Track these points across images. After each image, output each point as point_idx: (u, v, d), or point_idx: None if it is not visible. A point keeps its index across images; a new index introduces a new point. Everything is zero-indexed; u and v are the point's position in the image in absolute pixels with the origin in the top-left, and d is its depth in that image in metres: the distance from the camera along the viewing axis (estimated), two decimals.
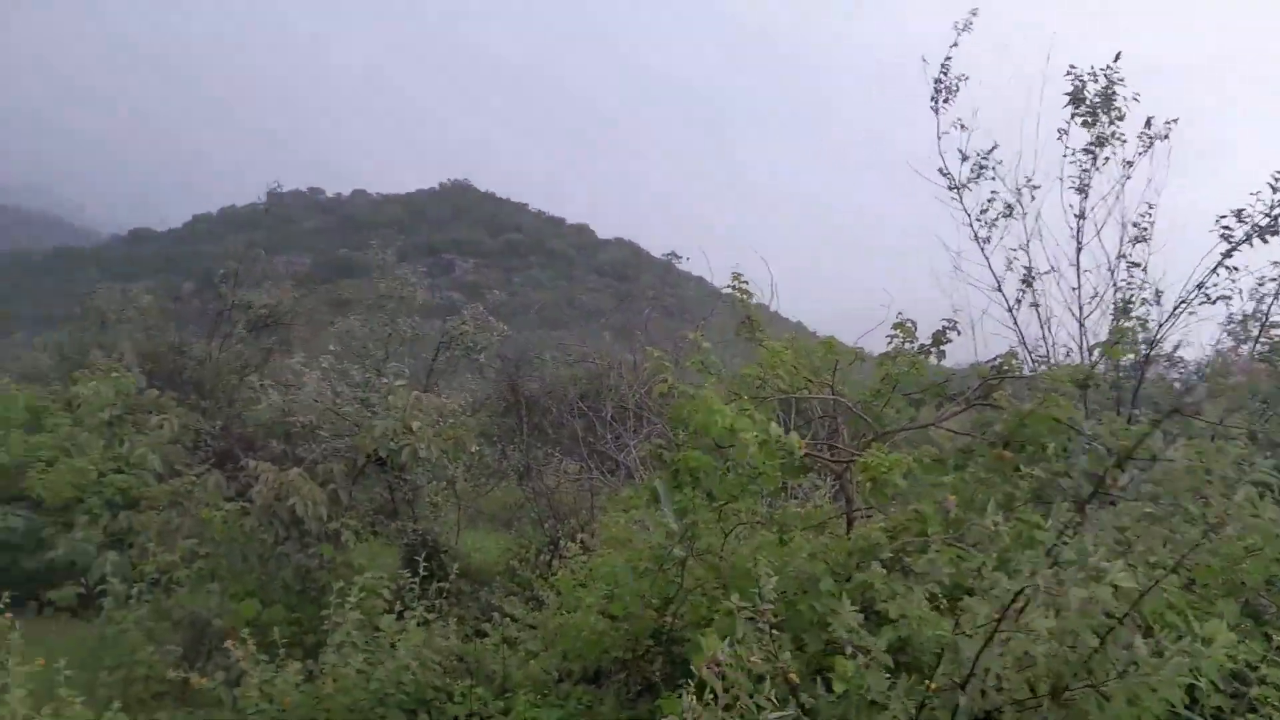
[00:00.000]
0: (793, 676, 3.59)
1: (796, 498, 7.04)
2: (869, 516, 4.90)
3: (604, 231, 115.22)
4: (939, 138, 5.91)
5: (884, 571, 3.57)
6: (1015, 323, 5.83)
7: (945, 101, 5.85)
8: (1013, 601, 2.88)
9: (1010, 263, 5.81)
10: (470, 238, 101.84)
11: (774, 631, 3.25)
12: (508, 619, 6.38)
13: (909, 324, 5.70)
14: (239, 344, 12.61)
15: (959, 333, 5.73)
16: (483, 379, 12.35)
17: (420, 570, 6.39)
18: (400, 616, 5.89)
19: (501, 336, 9.75)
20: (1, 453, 9.14)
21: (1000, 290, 5.84)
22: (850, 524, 4.96)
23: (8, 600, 6.60)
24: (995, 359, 5.53)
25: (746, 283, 4.99)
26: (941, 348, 5.69)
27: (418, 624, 5.84)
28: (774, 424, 4.57)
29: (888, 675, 3.16)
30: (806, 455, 4.63)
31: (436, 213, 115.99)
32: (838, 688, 3.11)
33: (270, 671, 5.41)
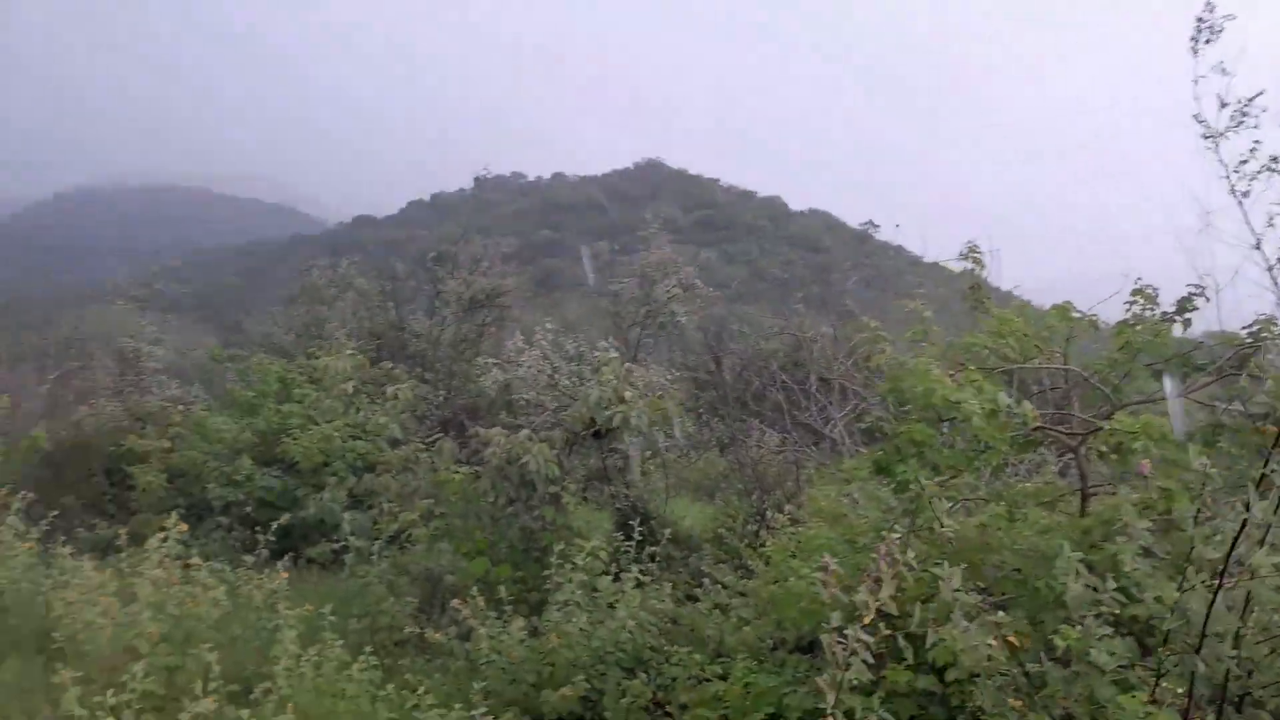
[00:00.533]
0: (1012, 640, 3.48)
1: (1018, 474, 6.74)
2: (1109, 494, 4.63)
3: (796, 204, 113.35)
4: (1195, 82, 5.42)
5: (1133, 546, 3.36)
6: (1276, 284, 5.29)
7: (1206, 42, 5.35)
8: (1235, 542, 2.67)
9: (1271, 219, 5.27)
10: (662, 214, 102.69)
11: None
12: (718, 585, 6.50)
13: (1149, 289, 5.31)
14: (456, 322, 13.40)
15: (1207, 298, 5.29)
16: (683, 352, 12.53)
17: (636, 535, 6.61)
18: (617, 579, 6.13)
19: (706, 301, 9.83)
20: (260, 420, 10.17)
21: (1259, 249, 5.31)
22: (1085, 500, 4.69)
23: (268, 551, 7.38)
24: (1252, 324, 5.07)
25: (980, 252, 4.80)
26: (1188, 315, 5.28)
27: (634, 586, 6.05)
28: (1002, 394, 4.40)
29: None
30: (1038, 428, 4.43)
31: (632, 191, 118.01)
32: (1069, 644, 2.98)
33: (498, 627, 5.78)
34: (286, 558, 7.51)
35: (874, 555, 3.65)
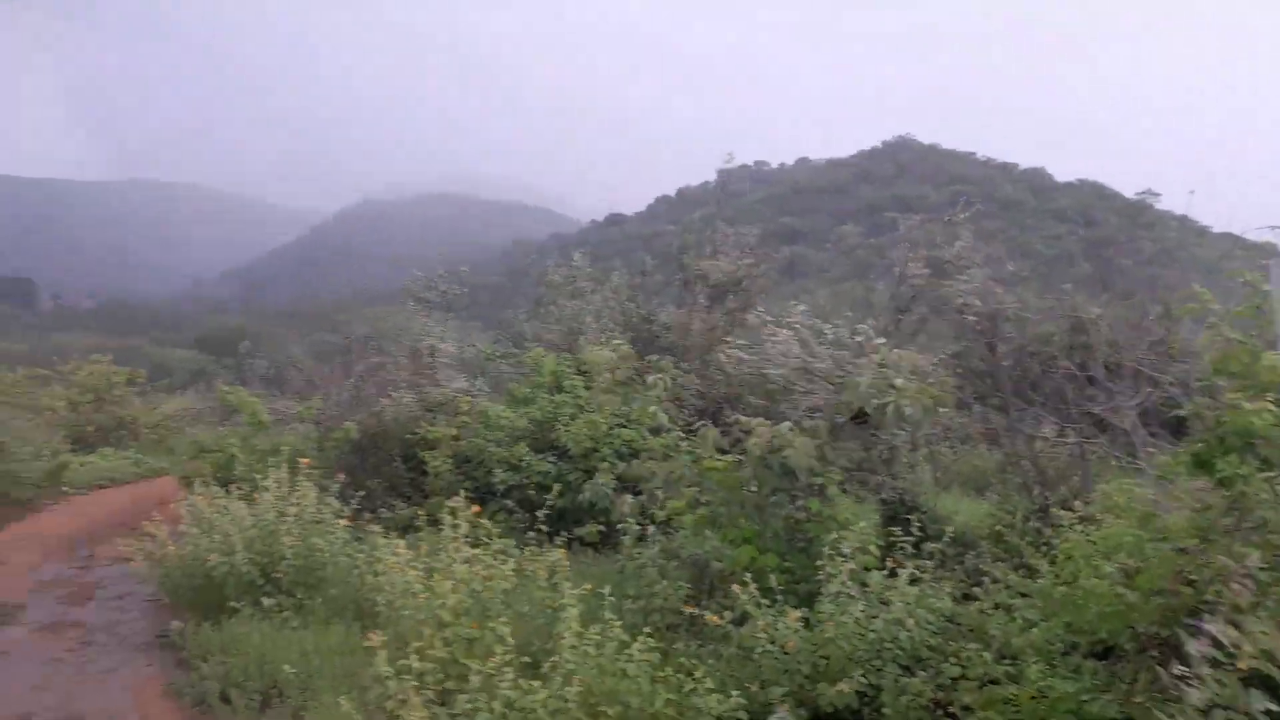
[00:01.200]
0: None
1: None
2: None
3: (1061, 175, 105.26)
4: None
5: None
6: None
7: None
8: None
9: None
10: (913, 193, 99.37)
11: None
12: (1000, 584, 6.14)
13: None
14: (705, 310, 13.57)
15: None
16: (953, 337, 11.94)
17: (912, 529, 6.40)
18: (893, 574, 5.95)
19: (976, 287, 9.26)
20: (535, 409, 10.81)
21: None
22: None
23: (544, 531, 7.83)
24: None
25: None
26: None
27: (909, 583, 5.84)
28: None
29: None
30: None
31: (880, 171, 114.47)
32: None
33: (772, 615, 5.76)
34: (559, 538, 7.94)
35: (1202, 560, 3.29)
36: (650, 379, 8.95)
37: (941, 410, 8.02)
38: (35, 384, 20.94)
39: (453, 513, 6.72)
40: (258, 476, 8.91)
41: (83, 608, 8.82)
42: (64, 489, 15.44)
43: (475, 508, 6.76)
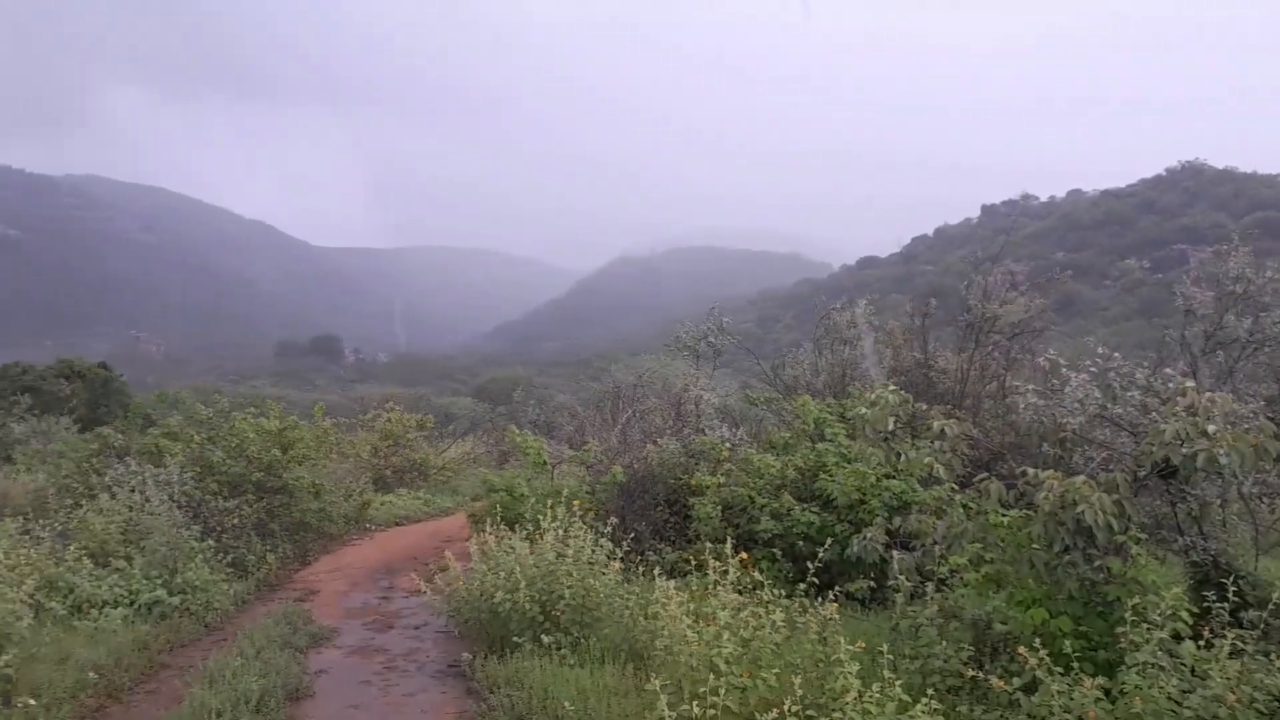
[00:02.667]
0: None
1: None
2: None
3: None
4: None
5: None
6: None
7: None
8: None
9: None
10: (1205, 222, 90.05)
11: None
12: None
13: None
14: (988, 352, 12.90)
15: None
16: (1265, 379, 10.61)
17: (1228, 595, 5.70)
18: (1209, 644, 5.31)
19: None
20: (798, 458, 10.73)
21: None
22: None
23: (814, 584, 7.68)
24: None
25: None
26: None
27: (1229, 654, 5.19)
28: None
29: None
30: None
31: (1165, 201, 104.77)
32: None
33: (1066, 683, 5.30)
34: (828, 592, 7.76)
35: None
36: (935, 426, 8.60)
37: (1262, 462, 7.12)
38: (343, 431, 23.49)
39: (719, 558, 6.76)
40: (540, 517, 9.45)
41: (385, 635, 9.68)
42: (367, 526, 17.13)
43: (744, 555, 6.77)
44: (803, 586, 7.40)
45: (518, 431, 14.21)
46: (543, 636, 7.69)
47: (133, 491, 11.83)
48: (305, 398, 43.27)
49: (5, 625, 7.52)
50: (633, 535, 9.76)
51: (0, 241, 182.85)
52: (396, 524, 18.02)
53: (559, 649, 7.66)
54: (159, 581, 10.23)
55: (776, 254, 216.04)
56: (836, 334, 15.81)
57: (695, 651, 5.80)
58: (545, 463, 13.19)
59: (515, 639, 7.84)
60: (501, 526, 9.40)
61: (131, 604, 9.75)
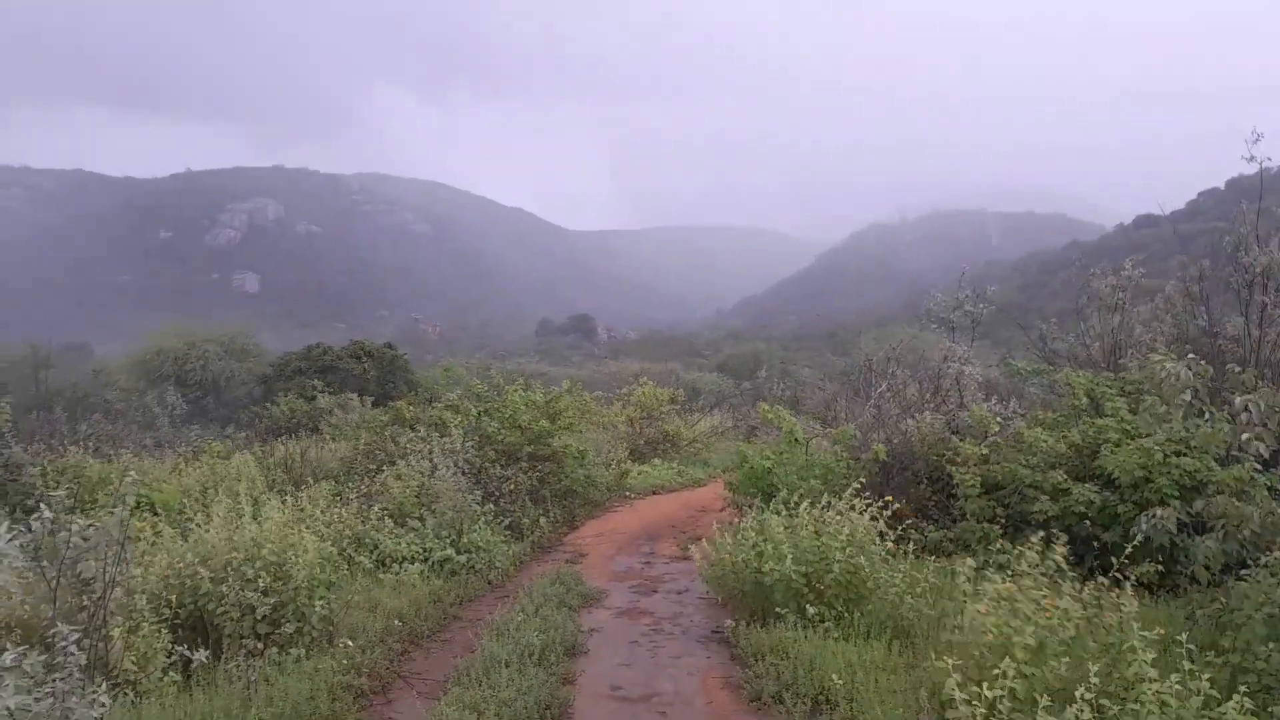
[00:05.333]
0: None
1: None
2: None
3: None
4: None
5: None
6: None
7: None
8: None
9: None
10: None
11: None
12: None
13: None
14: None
15: None
16: None
17: None
18: None
19: None
20: (1074, 434, 10.04)
21: None
22: None
23: (1096, 567, 7.17)
24: None
25: None
26: None
27: None
28: None
29: None
30: None
31: None
32: None
33: None
34: (1109, 575, 7.23)
35: None
36: (1239, 401, 7.77)
37: None
38: (600, 404, 24.58)
39: (988, 538, 6.47)
40: (797, 492, 9.46)
41: (650, 598, 10.09)
42: (626, 494, 17.88)
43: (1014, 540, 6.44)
44: (1077, 570, 6.93)
45: (769, 408, 14.26)
46: (807, 608, 7.73)
47: (423, 459, 13.05)
48: (564, 373, 45.65)
49: (327, 576, 8.53)
50: (889, 514, 9.55)
51: (302, 236, 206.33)
52: (653, 493, 18.68)
53: (823, 622, 7.67)
54: (448, 541, 11.24)
55: (1040, 214, 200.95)
56: (1102, 300, 14.55)
57: (985, 634, 5.62)
58: (798, 438, 13.18)
59: (779, 610, 7.93)
60: (758, 499, 9.52)
61: (425, 560, 10.78)
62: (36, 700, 4.33)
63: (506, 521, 12.67)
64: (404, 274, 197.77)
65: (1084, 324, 14.92)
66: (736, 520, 9.33)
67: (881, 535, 8.46)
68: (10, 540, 6.51)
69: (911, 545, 8.61)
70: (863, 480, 9.77)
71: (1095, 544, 9.03)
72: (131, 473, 9.96)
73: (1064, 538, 6.99)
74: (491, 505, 12.59)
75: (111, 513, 6.64)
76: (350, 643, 7.61)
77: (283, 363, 34.19)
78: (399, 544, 10.88)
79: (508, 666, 7.21)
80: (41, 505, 6.49)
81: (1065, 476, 9.58)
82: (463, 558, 10.96)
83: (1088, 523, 9.12)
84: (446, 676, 7.41)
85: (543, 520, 13.58)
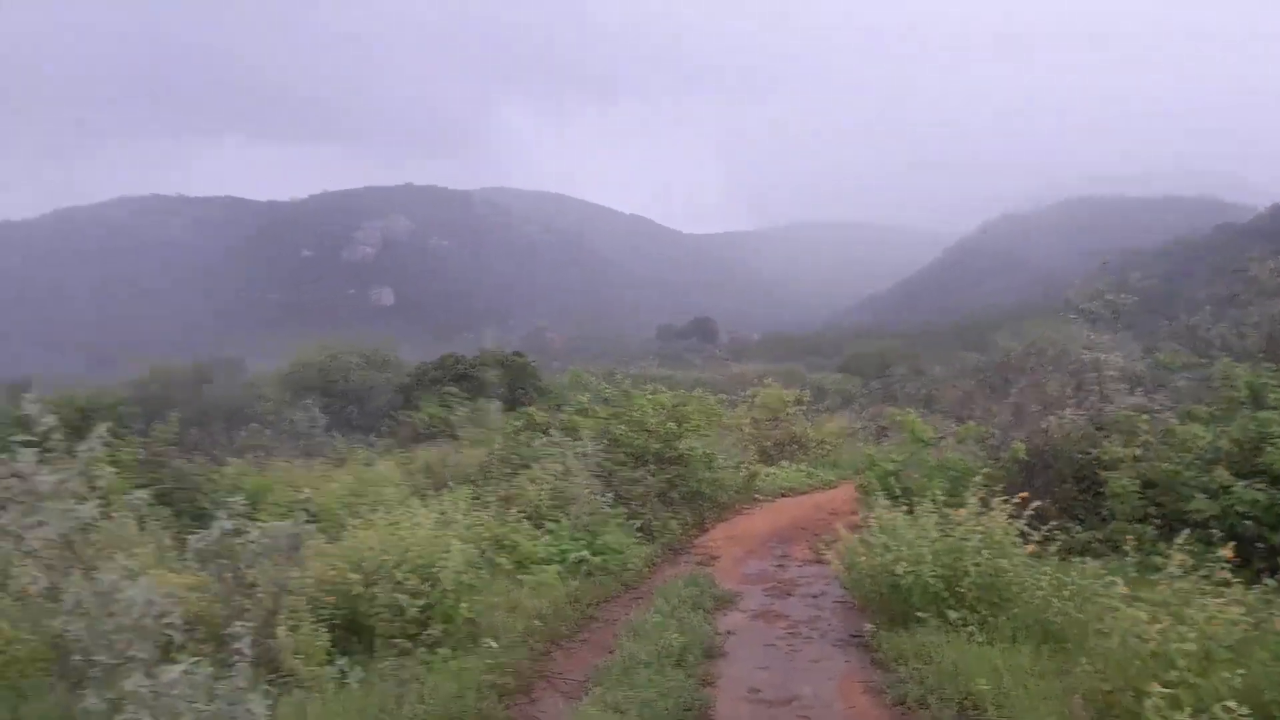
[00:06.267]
0: None
1: None
2: None
3: None
4: None
5: None
6: None
7: None
8: None
9: None
10: None
11: None
12: None
13: None
14: None
15: None
16: None
17: None
18: None
19: None
20: (1235, 429, 9.46)
21: None
22: None
23: (1255, 572, 6.74)
24: None
25: None
26: None
27: None
28: None
29: None
30: None
31: None
32: None
33: None
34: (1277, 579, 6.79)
35: None
36: None
37: None
38: (725, 406, 24.57)
39: (1140, 539, 6.18)
40: (928, 493, 9.24)
41: (785, 601, 10.05)
42: (755, 496, 17.82)
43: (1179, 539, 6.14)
44: (1243, 573, 6.54)
45: (897, 411, 13.98)
46: (948, 612, 7.56)
47: (555, 462, 13.35)
48: (686, 376, 45.83)
49: (470, 577, 8.83)
50: (1033, 513, 9.20)
51: (434, 250, 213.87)
52: (782, 495, 18.54)
53: (966, 626, 7.48)
54: (582, 543, 11.47)
55: (1185, 198, 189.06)
56: (1261, 285, 13.66)
57: (1146, 640, 5.39)
58: (924, 438, 12.87)
59: (918, 613, 7.78)
60: (892, 501, 9.34)
61: (562, 561, 11.03)
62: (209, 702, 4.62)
63: (637, 524, 12.83)
64: (529, 284, 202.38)
65: (1237, 311, 14.08)
66: (869, 523, 9.17)
67: (1024, 536, 8.18)
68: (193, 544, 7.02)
69: (1056, 547, 8.28)
70: (1002, 480, 9.48)
71: (1260, 545, 8.50)
72: (306, 490, 10.60)
73: (1226, 539, 6.61)
74: (623, 508, 12.78)
75: (285, 518, 7.07)
76: (494, 643, 7.87)
77: (419, 372, 35.53)
78: (536, 546, 11.17)
79: (647, 667, 7.32)
80: (218, 513, 6.98)
81: (1228, 474, 9.05)
82: (597, 559, 11.17)
83: (1249, 523, 8.60)
84: (587, 676, 7.58)
85: (672, 522, 13.69)
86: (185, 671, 4.48)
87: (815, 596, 10.16)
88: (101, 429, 4.21)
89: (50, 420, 4.09)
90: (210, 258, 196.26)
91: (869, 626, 8.25)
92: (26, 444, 4.04)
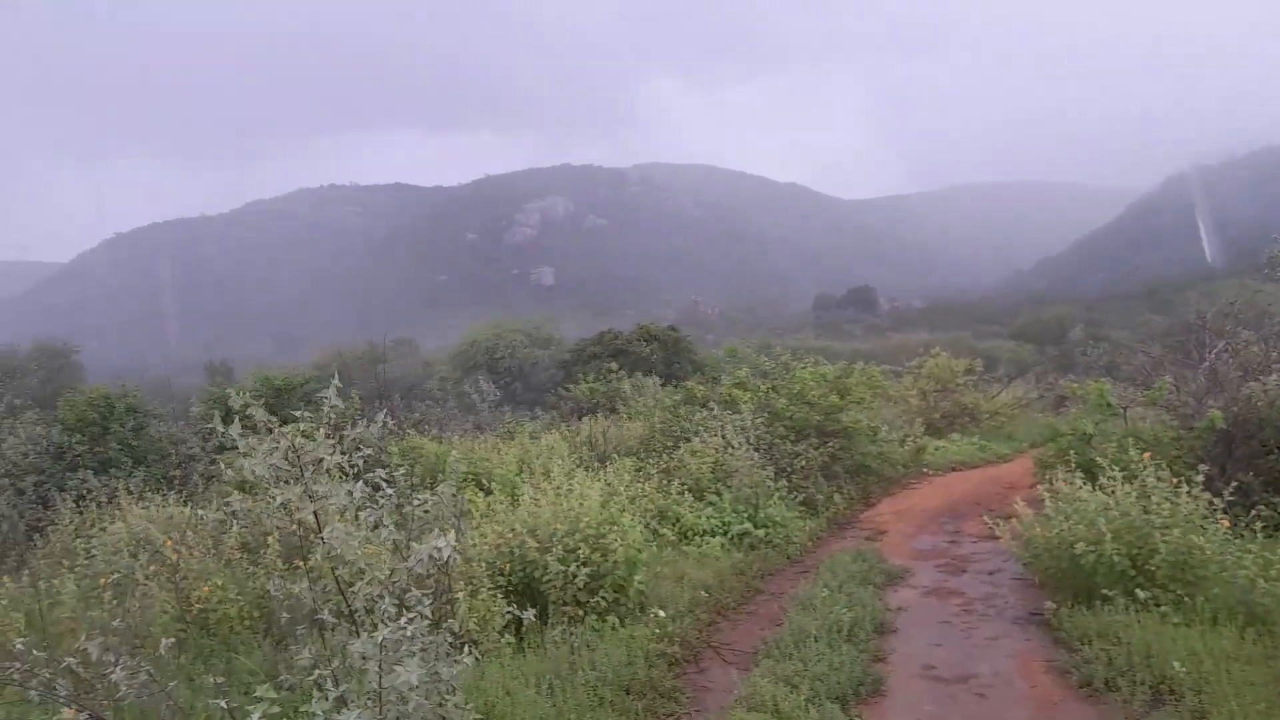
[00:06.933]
0: None
1: None
2: None
3: None
4: None
5: None
6: None
7: None
8: None
9: None
10: None
11: None
12: None
13: None
14: None
15: None
16: None
17: None
18: None
19: None
20: None
21: None
22: None
23: None
24: None
25: None
26: None
27: None
28: None
29: None
30: None
31: None
32: None
33: None
34: None
35: None
36: None
37: None
38: (889, 377, 23.90)
39: None
40: (1114, 464, 8.69)
41: (958, 578, 9.74)
42: (923, 469, 17.30)
43: None
44: None
45: (1075, 381, 13.20)
46: (1137, 591, 7.12)
47: (716, 435, 13.39)
48: (844, 348, 44.86)
49: (639, 548, 9.00)
50: (1235, 486, 8.49)
51: (591, 229, 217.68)
52: (952, 469, 17.93)
53: (1158, 606, 7.03)
54: (745, 516, 11.48)
55: None
56: None
57: None
58: (1111, 405, 12.11)
59: (1104, 592, 7.37)
60: (1075, 474, 8.84)
61: (725, 534, 11.08)
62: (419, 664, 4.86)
63: (800, 497, 12.72)
64: (683, 258, 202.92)
65: None
66: (1048, 497, 8.72)
67: (1225, 511, 7.59)
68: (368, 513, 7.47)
69: (1261, 524, 7.63)
70: (1196, 451, 8.81)
71: None
72: (454, 452, 11.07)
73: None
74: (784, 481, 12.68)
75: (460, 488, 7.41)
76: (661, 612, 8.01)
77: (579, 348, 36.34)
78: (699, 518, 11.26)
79: (817, 641, 7.26)
80: (384, 483, 7.38)
81: None
82: (760, 532, 11.15)
83: None
84: (755, 648, 7.60)
85: (836, 497, 13.49)
86: (400, 629, 4.80)
87: (991, 573, 9.79)
88: (301, 412, 4.53)
89: (252, 406, 4.43)
90: (381, 243, 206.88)
91: (1049, 604, 7.88)
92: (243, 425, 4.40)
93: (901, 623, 8.20)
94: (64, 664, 5.02)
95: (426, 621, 5.97)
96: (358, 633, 4.26)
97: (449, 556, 7.26)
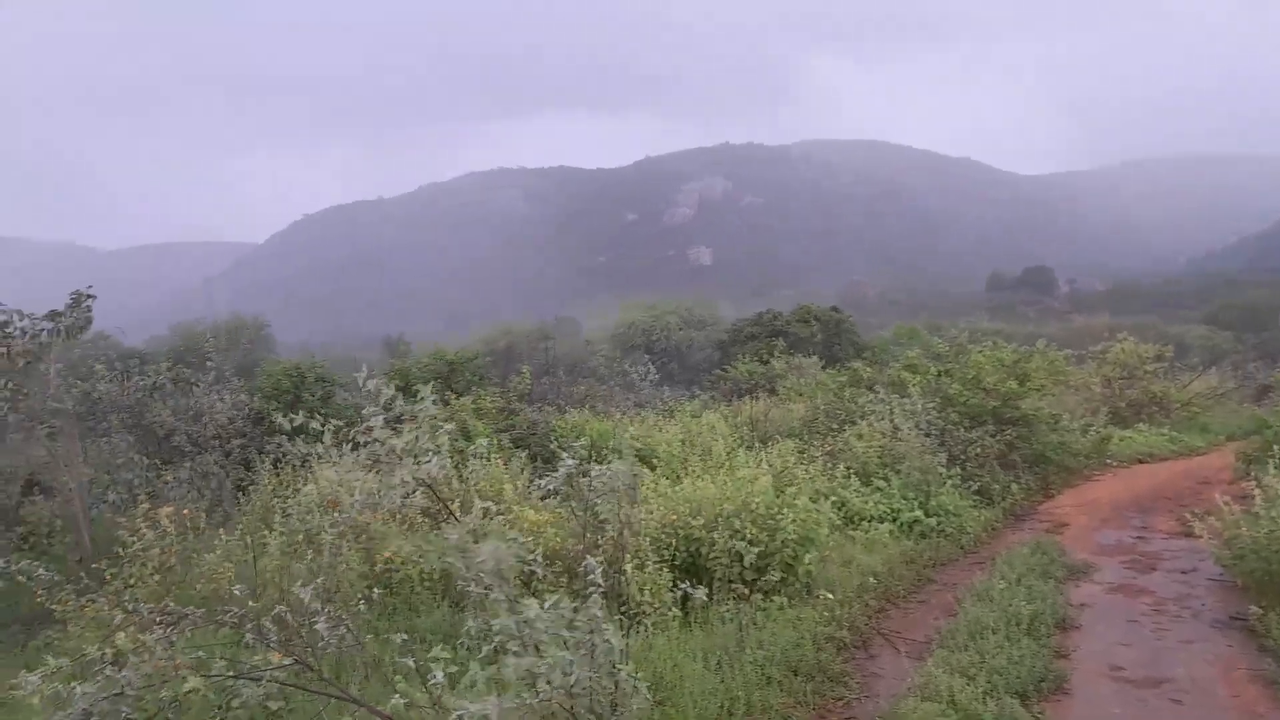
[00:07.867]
0: None
1: None
2: None
3: None
4: None
5: None
6: None
7: None
8: None
9: None
10: None
11: None
12: None
13: None
14: None
15: None
16: None
17: None
18: None
19: None
20: None
21: None
22: None
23: None
24: None
25: None
26: None
27: None
28: None
29: None
30: None
31: None
32: None
33: None
34: None
35: None
36: None
37: None
38: (1070, 363, 22.63)
39: None
40: None
41: (1147, 576, 9.16)
42: (1107, 461, 16.33)
43: None
44: None
45: None
46: None
47: (883, 419, 13.07)
48: (1019, 331, 42.69)
49: (811, 530, 8.91)
50: None
51: (749, 208, 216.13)
52: (1139, 461, 16.85)
53: None
54: (915, 503, 11.17)
55: None
56: None
57: None
58: None
59: None
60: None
61: (894, 520, 10.82)
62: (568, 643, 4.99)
63: (974, 486, 12.26)
64: (845, 236, 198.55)
65: None
66: (1254, 493, 8.07)
67: None
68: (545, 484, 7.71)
69: None
70: None
71: None
72: (631, 428, 11.27)
73: None
74: (958, 469, 12.26)
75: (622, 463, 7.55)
76: (829, 595, 7.92)
77: (736, 329, 36.21)
78: (866, 503, 11.04)
79: (994, 633, 7.01)
80: (562, 454, 7.60)
81: None
82: (931, 520, 10.84)
83: None
84: (927, 638, 7.41)
85: (1014, 487, 12.93)
86: (547, 606, 4.94)
87: (1185, 573, 9.16)
88: (426, 390, 4.69)
89: (389, 391, 4.64)
90: (544, 224, 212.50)
91: (1255, 609, 7.30)
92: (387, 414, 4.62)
93: (1085, 619, 7.80)
94: (275, 611, 5.45)
95: (600, 589, 6.14)
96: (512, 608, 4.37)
97: (622, 526, 7.47)
